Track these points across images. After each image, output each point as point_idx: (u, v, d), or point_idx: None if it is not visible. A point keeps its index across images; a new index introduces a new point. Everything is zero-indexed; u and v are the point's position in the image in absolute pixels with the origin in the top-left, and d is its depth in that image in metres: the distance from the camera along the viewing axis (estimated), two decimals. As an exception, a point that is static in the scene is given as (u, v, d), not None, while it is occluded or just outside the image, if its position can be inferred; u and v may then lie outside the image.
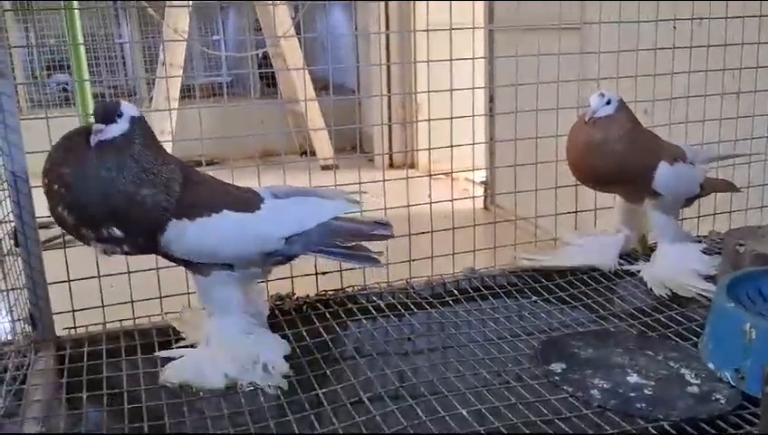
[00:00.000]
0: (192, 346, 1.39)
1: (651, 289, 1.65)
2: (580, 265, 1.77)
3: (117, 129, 1.21)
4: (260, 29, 6.57)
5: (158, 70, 5.99)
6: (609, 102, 1.62)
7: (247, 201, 1.32)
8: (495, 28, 4.41)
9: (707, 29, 1.99)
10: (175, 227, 1.24)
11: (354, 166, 1.78)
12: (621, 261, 1.80)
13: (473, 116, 1.91)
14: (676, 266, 1.68)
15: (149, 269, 1.56)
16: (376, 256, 1.39)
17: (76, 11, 5.06)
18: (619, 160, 1.62)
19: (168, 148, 1.36)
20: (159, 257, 1.45)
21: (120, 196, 1.19)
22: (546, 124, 1.92)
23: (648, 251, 1.84)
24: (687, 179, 1.73)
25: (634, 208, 1.78)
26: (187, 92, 6.25)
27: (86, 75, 4.98)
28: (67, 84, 7.55)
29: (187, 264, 1.31)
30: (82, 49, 4.78)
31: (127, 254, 1.30)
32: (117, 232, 1.21)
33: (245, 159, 1.72)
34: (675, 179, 1.67)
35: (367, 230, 1.38)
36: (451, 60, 1.82)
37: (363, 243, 1.39)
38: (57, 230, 1.31)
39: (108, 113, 1.20)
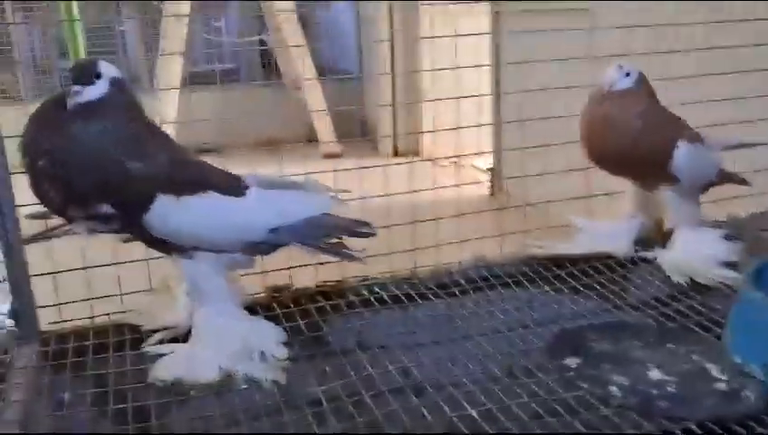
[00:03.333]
0: (176, 339, 1.31)
1: (669, 277, 1.56)
2: (593, 252, 1.67)
3: (96, 90, 1.12)
4: (262, 15, 6.46)
5: (158, 57, 5.89)
6: (627, 75, 1.52)
7: (234, 186, 1.26)
8: (502, 9, 4.29)
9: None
10: (160, 203, 1.16)
11: (358, 153, 1.72)
12: (637, 247, 1.70)
13: (479, 95, 1.83)
14: (696, 253, 1.59)
15: (139, 260, 1.48)
16: (357, 255, 1.35)
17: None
18: (636, 138, 1.51)
19: (172, 135, 1.29)
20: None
21: (108, 166, 1.11)
22: (554, 107, 1.82)
23: (664, 238, 1.74)
24: (706, 163, 1.63)
25: (648, 194, 1.69)
26: (191, 80, 6.17)
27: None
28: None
29: (168, 247, 1.24)
30: (79, 35, 4.69)
31: (115, 232, 1.22)
32: (108, 209, 1.13)
33: (248, 147, 1.65)
34: (695, 161, 1.57)
35: (351, 227, 1.35)
36: (455, 36, 1.73)
37: (345, 239, 1.36)
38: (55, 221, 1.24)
39: (85, 73, 1.11)
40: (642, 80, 1.54)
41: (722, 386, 1.12)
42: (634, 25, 1.89)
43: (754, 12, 1.96)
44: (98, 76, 1.12)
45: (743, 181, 1.76)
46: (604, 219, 1.79)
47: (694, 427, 1.01)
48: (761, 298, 1.16)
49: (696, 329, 1.32)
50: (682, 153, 1.55)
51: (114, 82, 1.14)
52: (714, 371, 1.16)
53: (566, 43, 1.89)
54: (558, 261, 1.66)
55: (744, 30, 1.91)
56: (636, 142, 1.52)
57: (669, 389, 1.11)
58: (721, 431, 1.01)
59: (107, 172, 1.11)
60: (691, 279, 1.53)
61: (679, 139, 1.55)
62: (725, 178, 1.70)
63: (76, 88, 1.10)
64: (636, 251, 1.69)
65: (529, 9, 3.77)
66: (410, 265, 1.67)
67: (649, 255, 1.67)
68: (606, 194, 1.87)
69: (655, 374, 1.15)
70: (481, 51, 2.12)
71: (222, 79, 6.64)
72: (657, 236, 1.77)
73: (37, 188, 1.13)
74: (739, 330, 1.21)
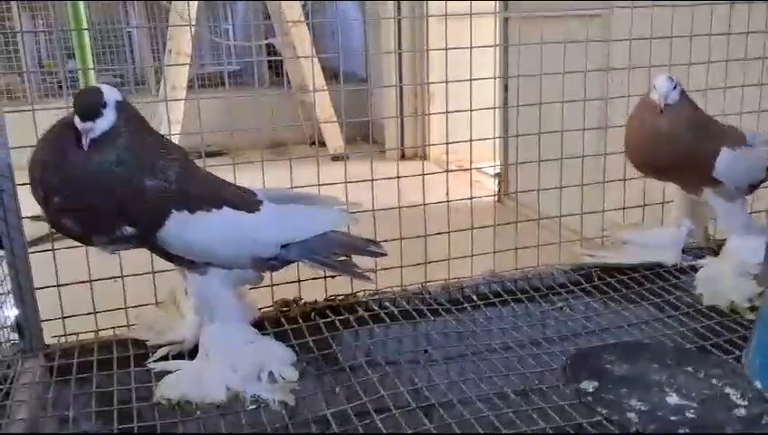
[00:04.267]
0: (182, 355, 1.29)
1: (700, 295, 1.52)
2: (642, 261, 1.66)
3: (105, 122, 1.09)
4: (269, 17, 6.43)
5: (164, 59, 5.87)
6: (675, 87, 1.50)
7: (247, 201, 1.23)
8: (511, 15, 4.26)
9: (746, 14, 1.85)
10: (175, 219, 1.14)
11: (365, 157, 1.69)
12: (685, 256, 1.68)
13: (494, 108, 1.80)
14: (730, 264, 1.55)
15: (145, 273, 1.45)
16: (366, 275, 1.36)
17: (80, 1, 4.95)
18: (687, 148, 1.50)
19: (176, 138, 1.26)
20: (154, 260, 1.36)
21: (126, 188, 1.09)
22: (563, 116, 1.80)
23: (711, 244, 1.73)
24: (751, 164, 1.59)
25: (695, 199, 1.66)
26: (196, 82, 6.16)
27: (90, 63, 4.86)
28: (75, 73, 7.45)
29: (182, 262, 1.21)
30: (87, 37, 4.67)
31: (136, 247, 1.19)
32: (129, 230, 1.11)
33: (254, 150, 1.62)
34: (737, 165, 1.54)
35: (361, 246, 1.35)
36: (471, 48, 1.70)
37: (354, 259, 1.36)
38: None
39: (93, 108, 1.07)
40: (682, 90, 1.52)
41: (742, 412, 1.09)
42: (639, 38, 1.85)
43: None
44: (104, 106, 1.09)
45: None
46: (653, 228, 1.77)
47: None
48: (783, 321, 1.12)
49: (715, 351, 1.29)
50: (724, 160, 1.52)
51: (119, 107, 1.11)
52: (734, 396, 1.13)
53: (576, 49, 1.85)
54: (588, 273, 1.64)
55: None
56: (686, 152, 1.51)
57: (689, 414, 1.08)
58: (743, 460, 0.98)
59: (125, 195, 1.09)
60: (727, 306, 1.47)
61: (722, 145, 1.53)
62: None
63: (87, 125, 1.06)
64: (683, 260, 1.67)
65: (538, 14, 3.74)
66: (421, 278, 1.64)
67: (698, 263, 1.64)
68: (619, 209, 1.85)
69: (673, 399, 1.12)
70: (488, 56, 2.08)
71: (229, 81, 6.63)
72: (705, 242, 1.75)
73: (55, 221, 1.11)
74: (760, 352, 1.17)
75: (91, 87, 1.12)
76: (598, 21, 3.18)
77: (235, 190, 1.25)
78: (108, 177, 1.08)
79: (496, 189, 4.53)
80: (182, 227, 1.14)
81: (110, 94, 1.10)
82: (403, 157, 6.03)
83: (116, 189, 1.08)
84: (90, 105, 1.08)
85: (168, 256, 1.21)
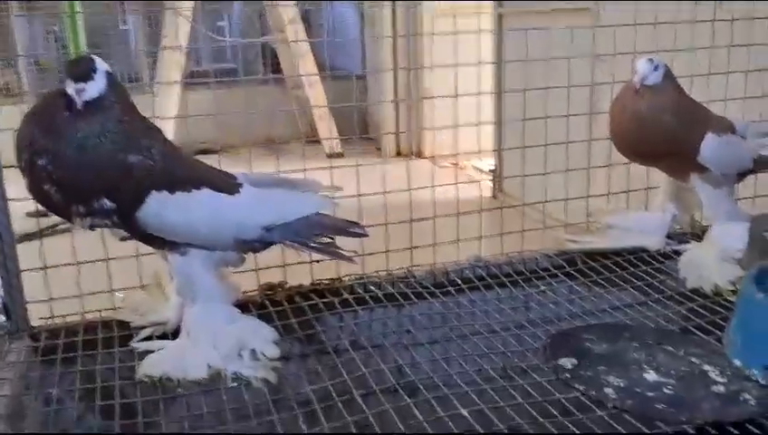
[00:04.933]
0: (166, 335, 1.30)
1: (684, 278, 1.52)
2: (626, 246, 1.67)
3: (95, 87, 1.10)
4: (264, 15, 6.45)
5: (159, 54, 5.87)
6: (656, 68, 1.50)
7: (227, 183, 1.24)
8: (505, 11, 4.28)
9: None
10: (155, 199, 1.15)
11: (360, 154, 1.70)
12: (669, 241, 1.69)
13: (486, 93, 1.81)
14: (713, 249, 1.56)
15: (130, 256, 1.46)
16: (349, 256, 1.35)
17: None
18: (669, 132, 1.51)
19: (170, 135, 1.27)
20: (140, 244, 1.36)
21: (110, 160, 1.10)
22: (554, 108, 1.81)
23: (697, 230, 1.73)
24: (736, 152, 1.59)
25: (681, 186, 1.67)
26: (191, 78, 6.16)
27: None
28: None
29: (161, 243, 1.22)
30: (81, 33, 4.67)
31: (114, 226, 1.20)
32: (108, 203, 1.12)
33: (248, 148, 1.63)
34: (722, 151, 1.55)
35: (343, 226, 1.35)
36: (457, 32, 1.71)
37: (339, 240, 1.36)
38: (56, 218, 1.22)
39: (85, 69, 1.09)
40: (668, 73, 1.53)
41: (720, 389, 1.10)
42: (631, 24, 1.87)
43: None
44: (95, 71, 1.11)
45: None
46: (638, 213, 1.79)
47: (692, 431, 0.99)
48: (762, 300, 1.13)
49: (696, 332, 1.30)
50: (708, 145, 1.53)
51: (109, 78, 1.13)
52: (712, 373, 1.14)
53: (568, 42, 1.87)
54: (554, 262, 1.65)
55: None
56: (668, 137, 1.52)
57: (667, 391, 1.09)
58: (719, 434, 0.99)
59: (109, 167, 1.11)
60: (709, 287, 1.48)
61: (707, 131, 1.54)
62: (766, 165, 1.65)
63: (79, 86, 1.08)
64: (667, 245, 1.67)
65: (531, 10, 3.76)
66: (407, 263, 1.64)
67: (682, 248, 1.65)
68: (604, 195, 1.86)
69: (652, 376, 1.13)
70: (483, 55, 2.10)
71: (224, 78, 6.63)
72: (691, 229, 1.76)
73: (37, 187, 1.11)
74: (740, 332, 1.18)
75: (85, 54, 1.14)
76: (587, 14, 3.21)
77: (216, 173, 1.26)
78: (94, 147, 1.09)
79: (491, 184, 4.55)
80: (161, 206, 1.15)
81: (101, 63, 1.12)
82: (399, 154, 6.05)
83: (100, 160, 1.09)
84: (82, 67, 1.10)
85: (148, 239, 1.22)
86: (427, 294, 1.51)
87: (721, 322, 1.30)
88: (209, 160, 1.32)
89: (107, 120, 1.11)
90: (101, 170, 1.10)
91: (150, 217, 1.15)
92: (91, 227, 1.18)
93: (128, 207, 1.14)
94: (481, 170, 5.19)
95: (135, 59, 7.31)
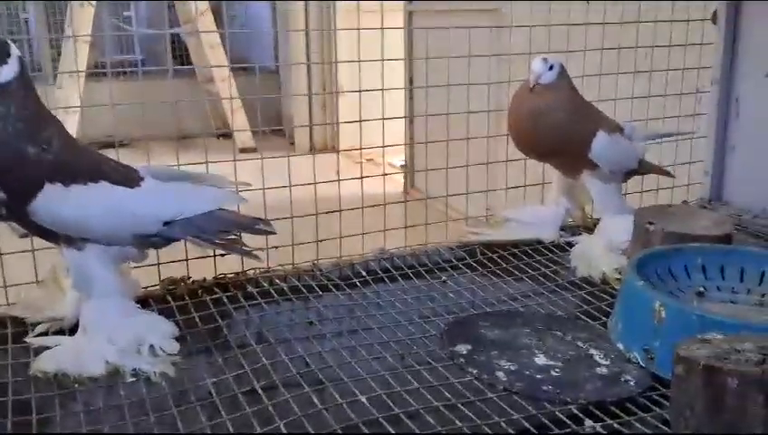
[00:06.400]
0: (62, 331, 1.27)
1: (575, 268, 1.61)
2: (523, 238, 1.74)
3: (9, 70, 1.08)
4: (173, 6, 6.31)
5: (63, 43, 5.64)
6: (551, 68, 1.57)
7: (126, 176, 1.22)
8: (415, 10, 4.35)
9: (621, 7, 1.97)
10: (48, 192, 1.12)
11: (273, 148, 1.70)
12: (563, 233, 1.78)
13: (397, 88, 1.84)
14: (602, 240, 1.65)
15: (25, 251, 1.41)
16: (253, 253, 1.35)
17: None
18: (562, 129, 1.58)
19: (74, 127, 1.24)
20: (35, 239, 1.33)
21: (7, 150, 1.07)
22: (462, 102, 1.86)
23: (589, 223, 1.82)
24: (625, 152, 1.70)
25: (572, 183, 1.75)
26: (96, 69, 5.95)
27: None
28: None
29: (56, 237, 1.19)
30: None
31: (5, 220, 1.17)
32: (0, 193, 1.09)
33: (158, 143, 1.60)
34: (612, 150, 1.64)
35: (248, 223, 1.33)
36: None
37: (245, 236, 1.36)
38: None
39: (2, 51, 1.07)
40: (563, 72, 1.60)
41: (604, 371, 1.17)
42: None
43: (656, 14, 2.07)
44: (8, 56, 1.09)
45: (666, 173, 1.85)
46: (533, 206, 1.87)
47: (576, 410, 1.05)
48: (641, 286, 1.21)
49: (584, 318, 1.37)
50: (600, 142, 1.62)
51: (21, 62, 1.11)
52: (597, 356, 1.21)
53: (475, 41, 1.93)
54: (457, 254, 1.70)
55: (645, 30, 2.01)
56: (562, 133, 1.59)
57: (554, 373, 1.15)
58: (601, 413, 1.05)
59: (5, 154, 1.07)
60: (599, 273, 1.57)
61: (598, 129, 1.62)
62: (648, 168, 1.79)
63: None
64: (561, 237, 1.76)
65: (440, 9, 3.84)
66: (313, 257, 1.66)
67: (574, 239, 1.73)
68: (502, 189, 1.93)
69: (541, 360, 1.19)
70: (394, 51, 2.14)
71: (131, 70, 6.45)
72: (583, 222, 1.85)
73: None
74: (622, 318, 1.26)
75: (1, 37, 1.11)
76: (495, 15, 3.30)
77: (115, 165, 1.23)
78: None
79: (402, 180, 4.62)
80: (54, 200, 1.12)
81: (14, 48, 1.10)
82: (312, 150, 6.05)
83: None
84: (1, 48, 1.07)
85: (43, 233, 1.19)
86: (332, 287, 1.54)
87: (607, 308, 1.39)
88: (113, 154, 1.30)
89: (12, 106, 1.08)
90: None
91: (42, 211, 1.13)
92: None
93: (19, 199, 1.11)
94: (393, 165, 5.26)
95: (36, 49, 7.01)
